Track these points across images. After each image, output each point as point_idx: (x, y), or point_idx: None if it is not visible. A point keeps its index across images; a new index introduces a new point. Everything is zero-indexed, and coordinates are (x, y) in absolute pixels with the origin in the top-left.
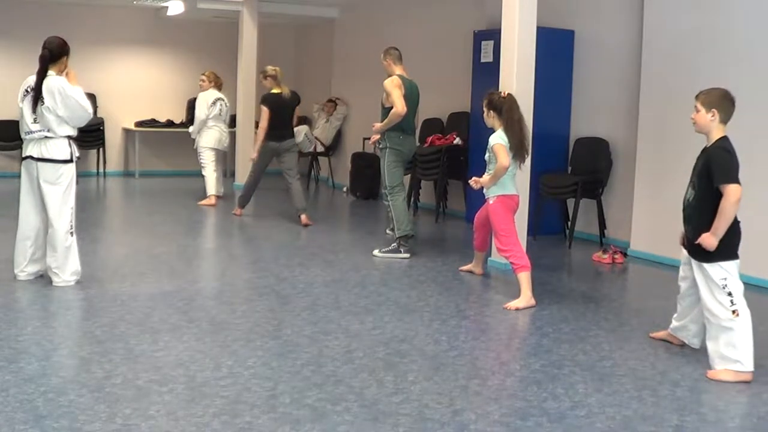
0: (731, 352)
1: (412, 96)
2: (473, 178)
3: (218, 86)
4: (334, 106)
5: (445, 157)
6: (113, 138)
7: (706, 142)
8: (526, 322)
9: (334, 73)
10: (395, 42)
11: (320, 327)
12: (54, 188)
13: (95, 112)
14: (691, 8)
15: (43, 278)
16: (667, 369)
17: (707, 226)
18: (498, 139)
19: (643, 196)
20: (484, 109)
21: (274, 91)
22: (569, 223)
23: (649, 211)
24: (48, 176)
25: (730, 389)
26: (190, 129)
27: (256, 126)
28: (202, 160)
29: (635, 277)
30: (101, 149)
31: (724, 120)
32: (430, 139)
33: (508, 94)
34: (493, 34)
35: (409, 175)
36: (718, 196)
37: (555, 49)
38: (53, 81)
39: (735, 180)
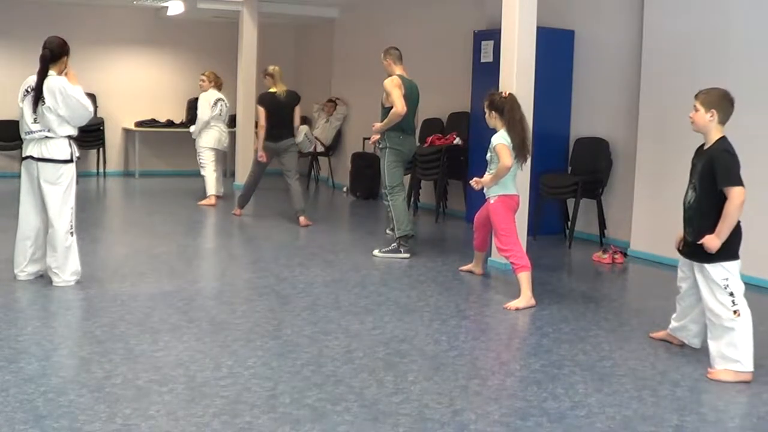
0: (732, 352)
1: (412, 96)
2: (474, 179)
3: (218, 86)
4: (334, 106)
5: (445, 157)
6: (113, 138)
7: (704, 141)
8: (526, 322)
9: (334, 73)
10: (395, 42)
11: (320, 327)
12: (54, 188)
13: (95, 112)
14: (691, 8)
15: (43, 278)
16: (667, 369)
17: (709, 228)
18: (500, 139)
19: (643, 196)
20: (486, 110)
21: (271, 90)
22: (569, 223)
23: (649, 211)
24: (48, 176)
25: (730, 389)
26: (191, 129)
27: (257, 126)
28: (201, 160)
29: (635, 277)
30: (101, 149)
31: (723, 121)
32: (430, 139)
33: (510, 93)
34: (493, 34)
35: (409, 175)
36: (720, 197)
37: (555, 49)
38: (54, 81)
39: (739, 182)
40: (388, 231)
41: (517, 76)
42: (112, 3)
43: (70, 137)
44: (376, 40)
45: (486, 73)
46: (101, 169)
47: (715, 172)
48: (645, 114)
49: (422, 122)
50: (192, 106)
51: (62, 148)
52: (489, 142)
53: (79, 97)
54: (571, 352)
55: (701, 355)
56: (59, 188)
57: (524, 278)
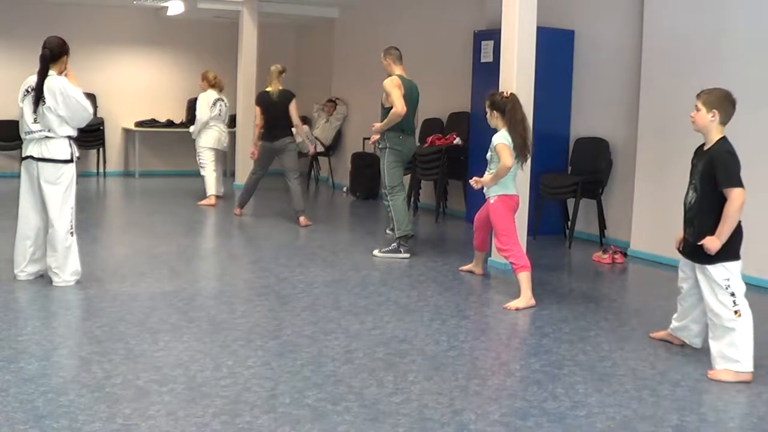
0: (732, 352)
1: (411, 96)
2: (474, 178)
3: (214, 86)
4: (334, 106)
5: (445, 157)
6: (113, 138)
7: (704, 141)
8: (526, 322)
9: (334, 73)
10: (395, 42)
11: (320, 327)
12: (54, 188)
13: (95, 112)
14: (691, 8)
15: (43, 278)
16: (667, 369)
17: (710, 229)
18: (501, 139)
19: (643, 196)
20: (487, 110)
21: (266, 89)
22: (569, 223)
23: (649, 211)
24: (48, 176)
25: (730, 389)
26: (191, 129)
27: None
28: (201, 161)
29: (635, 277)
30: (101, 149)
31: (724, 121)
32: (430, 139)
33: (511, 93)
34: (493, 34)
35: (409, 175)
36: (721, 198)
37: (555, 49)
38: (54, 81)
39: (739, 184)
40: (388, 231)
41: (517, 76)
42: (112, 3)
43: (70, 137)
44: (376, 40)
45: (486, 73)
46: (101, 169)
47: (715, 173)
48: (645, 114)
49: (422, 122)
50: (192, 106)
51: (62, 148)
52: (489, 141)
53: (79, 98)
54: (571, 352)
55: (701, 355)
56: (59, 188)
57: (524, 278)
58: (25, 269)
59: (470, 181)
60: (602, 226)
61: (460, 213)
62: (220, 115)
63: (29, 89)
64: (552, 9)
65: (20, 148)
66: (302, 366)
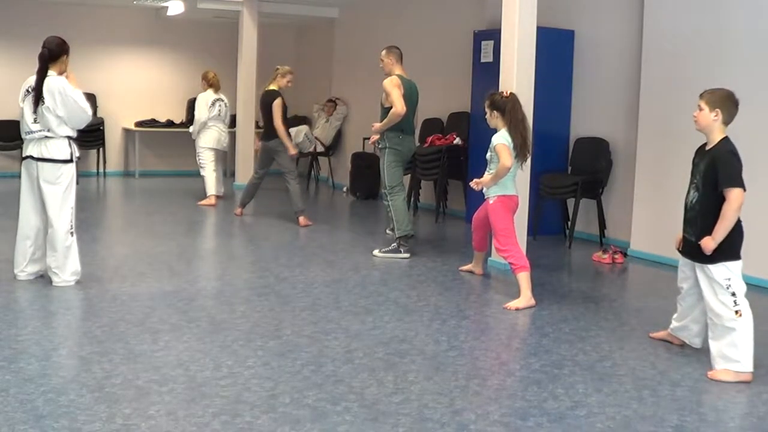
0: (732, 352)
1: (411, 96)
2: (474, 180)
3: (212, 85)
4: (334, 106)
5: (445, 157)
6: (113, 138)
7: (707, 141)
8: (526, 322)
9: (334, 73)
10: (395, 42)
11: (320, 327)
12: (54, 188)
13: (95, 112)
14: (691, 8)
15: (43, 278)
16: (667, 369)
17: (712, 229)
18: (501, 139)
19: (643, 196)
20: (487, 110)
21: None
22: (569, 223)
23: (649, 211)
24: (48, 176)
25: (730, 389)
26: (191, 129)
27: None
28: (201, 161)
29: (635, 277)
30: (101, 149)
31: (727, 121)
32: (430, 139)
33: (511, 93)
34: (493, 34)
35: (409, 175)
36: (723, 198)
37: (555, 49)
38: (54, 81)
39: (739, 184)
40: (388, 231)
41: (517, 76)
42: (112, 3)
43: (69, 137)
44: (376, 40)
45: (486, 73)
46: (101, 169)
47: (717, 173)
48: (645, 114)
49: (422, 122)
50: (192, 106)
51: (62, 148)
52: (489, 141)
53: (78, 100)
54: (571, 352)
55: (701, 355)
56: (59, 188)
57: (523, 278)
58: (25, 269)
59: (470, 183)
60: (602, 226)
61: (460, 213)
62: (219, 115)
63: (29, 89)
64: (552, 9)
65: (20, 148)
66: (302, 366)
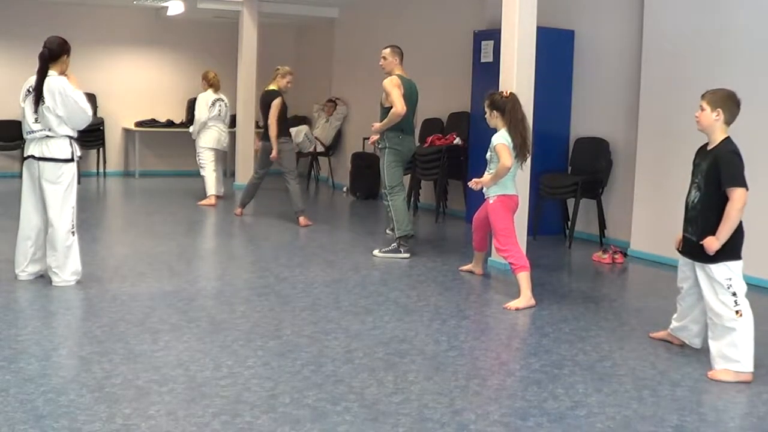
0: (732, 352)
1: (411, 96)
2: (473, 180)
3: (212, 85)
4: (334, 106)
5: (445, 157)
6: (113, 138)
7: (708, 141)
8: (526, 322)
9: (334, 73)
10: (395, 42)
11: (320, 327)
12: (55, 187)
13: (95, 112)
14: (691, 8)
15: (44, 278)
16: (667, 369)
17: (714, 228)
18: (501, 139)
19: (643, 196)
20: (487, 110)
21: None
22: (569, 223)
23: (649, 211)
24: (49, 175)
25: (730, 389)
26: (191, 129)
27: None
28: (201, 161)
29: (635, 277)
30: (101, 149)
31: (728, 121)
32: (430, 139)
33: (511, 93)
34: (493, 34)
35: (409, 175)
36: (725, 198)
37: (555, 49)
38: (54, 81)
39: (743, 184)
40: (388, 231)
41: (517, 76)
42: (112, 3)
43: (70, 137)
44: (376, 40)
45: (486, 73)
46: (101, 169)
47: (720, 172)
48: (645, 114)
49: (422, 122)
50: (192, 106)
51: (63, 148)
52: (489, 141)
53: (79, 100)
54: (571, 352)
55: (701, 355)
56: (60, 187)
57: (523, 278)
58: (26, 269)
59: (469, 183)
60: (602, 226)
61: (460, 213)
62: (219, 115)
63: (30, 89)
64: (552, 9)
65: (20, 148)
66: (302, 366)
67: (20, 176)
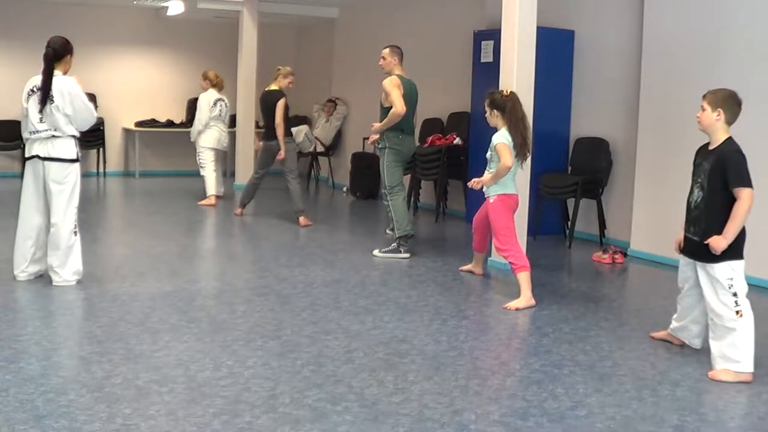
0: (732, 352)
1: (411, 96)
2: (473, 180)
3: (215, 85)
4: (334, 106)
5: (445, 157)
6: (113, 138)
7: (709, 141)
8: (526, 322)
9: (334, 73)
10: (395, 42)
11: (320, 327)
12: (61, 187)
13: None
14: (691, 8)
15: (43, 278)
16: (667, 369)
17: (718, 228)
18: (501, 139)
19: (643, 196)
20: (487, 109)
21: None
22: (569, 223)
23: (649, 211)
24: (56, 176)
25: (730, 389)
26: (191, 131)
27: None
28: (201, 161)
29: (635, 277)
30: (101, 149)
31: (729, 121)
32: (430, 139)
33: (511, 92)
34: (493, 34)
35: (409, 175)
36: (729, 197)
37: (555, 49)
38: (63, 81)
39: (750, 184)
40: (388, 231)
41: (517, 76)
42: (112, 3)
43: (75, 137)
44: (376, 40)
45: (486, 73)
46: (101, 169)
47: (726, 172)
48: (645, 114)
49: (422, 122)
50: (192, 106)
51: (69, 148)
52: (489, 141)
53: (87, 102)
54: (571, 352)
55: (701, 355)
56: (66, 187)
57: (523, 278)
58: (26, 269)
59: (469, 183)
60: (602, 226)
61: (460, 213)
62: (220, 115)
63: (34, 89)
64: (552, 9)
65: (20, 148)
66: (302, 366)
67: (20, 176)
